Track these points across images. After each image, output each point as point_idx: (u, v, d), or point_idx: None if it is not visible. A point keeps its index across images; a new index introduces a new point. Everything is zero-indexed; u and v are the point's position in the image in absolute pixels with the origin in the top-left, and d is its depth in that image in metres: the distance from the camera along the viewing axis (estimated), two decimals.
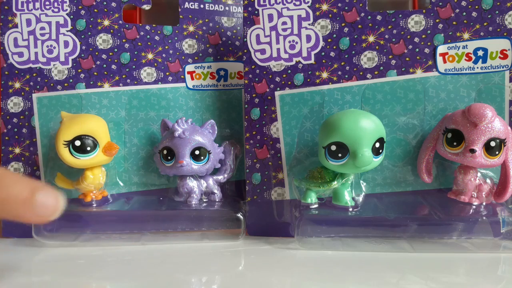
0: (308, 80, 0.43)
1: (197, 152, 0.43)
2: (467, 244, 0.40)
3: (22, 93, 0.46)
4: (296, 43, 0.43)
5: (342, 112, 0.40)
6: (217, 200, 0.45)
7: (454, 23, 0.42)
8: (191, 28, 0.48)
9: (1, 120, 0.46)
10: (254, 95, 0.43)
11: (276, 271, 0.37)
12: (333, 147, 0.38)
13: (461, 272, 0.37)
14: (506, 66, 0.41)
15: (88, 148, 0.42)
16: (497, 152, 0.38)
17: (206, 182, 0.45)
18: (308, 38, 0.43)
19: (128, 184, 0.47)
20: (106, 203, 0.45)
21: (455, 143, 0.39)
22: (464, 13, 0.41)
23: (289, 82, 0.43)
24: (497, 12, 0.41)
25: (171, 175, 0.45)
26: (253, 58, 0.43)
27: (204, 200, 0.46)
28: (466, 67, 0.42)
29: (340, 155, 0.38)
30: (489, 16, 0.41)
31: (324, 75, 0.43)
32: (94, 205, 0.44)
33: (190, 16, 0.48)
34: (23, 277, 0.37)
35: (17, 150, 0.46)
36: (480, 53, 0.41)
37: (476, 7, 0.41)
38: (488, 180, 0.40)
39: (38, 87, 0.46)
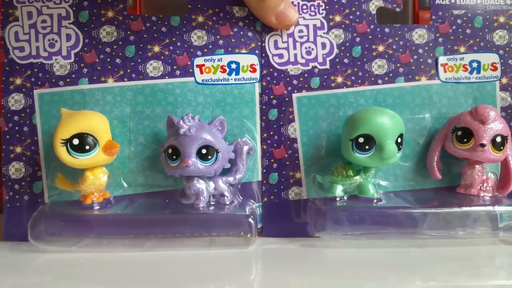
0: (324, 83, 0.45)
1: (204, 151, 0.40)
2: (467, 237, 0.41)
3: (23, 89, 0.44)
4: (312, 49, 0.45)
5: (367, 109, 0.43)
6: (227, 202, 0.43)
7: (452, 37, 0.47)
8: (200, 19, 0.45)
9: (1, 118, 0.43)
10: (272, 97, 0.45)
11: (289, 279, 0.36)
12: (361, 139, 0.40)
13: (461, 271, 0.37)
14: (497, 77, 0.47)
15: (87, 147, 0.40)
16: (501, 147, 0.42)
17: (215, 183, 0.42)
18: (323, 45, 0.46)
19: (133, 185, 0.44)
20: (107, 206, 0.42)
21: (465, 140, 0.42)
22: (460, 30, 0.47)
23: (306, 85, 0.45)
24: (486, 30, 0.47)
25: (177, 175, 0.42)
26: (271, 61, 0.45)
27: (212, 203, 0.43)
28: (464, 77, 0.46)
29: (367, 147, 0.40)
30: (480, 34, 0.47)
31: (339, 79, 0.45)
32: (95, 207, 0.42)
33: (199, 5, 0.45)
34: (21, 283, 0.35)
35: (18, 150, 0.43)
36: (475, 65, 0.46)
37: (470, 25, 0.47)
38: (491, 175, 0.44)
39: (39, 83, 0.44)
